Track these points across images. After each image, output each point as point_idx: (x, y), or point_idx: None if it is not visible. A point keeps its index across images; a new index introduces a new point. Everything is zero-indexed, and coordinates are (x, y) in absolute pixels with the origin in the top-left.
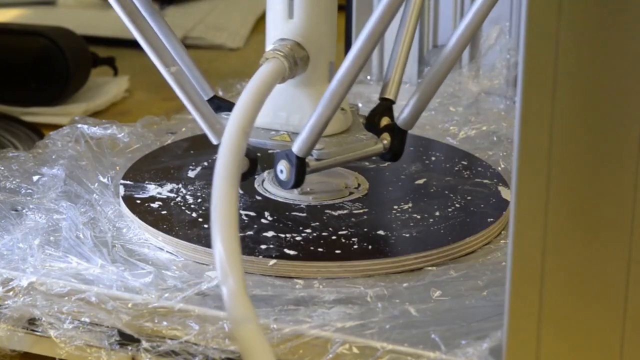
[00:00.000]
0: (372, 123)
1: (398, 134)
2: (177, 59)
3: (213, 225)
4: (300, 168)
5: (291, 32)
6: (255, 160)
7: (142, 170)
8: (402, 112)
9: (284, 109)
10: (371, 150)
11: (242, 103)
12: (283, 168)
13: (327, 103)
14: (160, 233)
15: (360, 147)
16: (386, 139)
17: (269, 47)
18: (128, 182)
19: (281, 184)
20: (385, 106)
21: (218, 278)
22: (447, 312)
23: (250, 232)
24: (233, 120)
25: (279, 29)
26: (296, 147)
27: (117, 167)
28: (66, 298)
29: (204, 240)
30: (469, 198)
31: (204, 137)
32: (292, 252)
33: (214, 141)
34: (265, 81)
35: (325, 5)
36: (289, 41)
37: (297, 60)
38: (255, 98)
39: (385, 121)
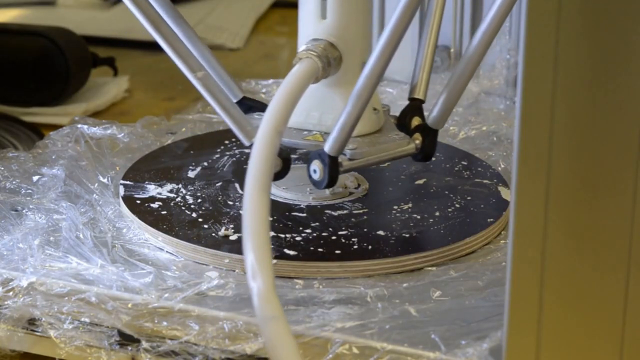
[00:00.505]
0: (403, 123)
1: (429, 133)
2: (204, 62)
3: (244, 223)
4: (333, 167)
5: (324, 32)
6: (289, 160)
7: (142, 170)
8: (431, 111)
9: (316, 109)
10: (404, 150)
11: (275, 103)
12: (316, 168)
13: (355, 101)
14: (160, 233)
15: (393, 147)
16: (418, 139)
17: (301, 47)
18: (128, 182)
19: (315, 183)
20: (415, 106)
21: (247, 275)
22: (447, 312)
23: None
24: (266, 120)
25: (312, 29)
26: (328, 147)
27: (117, 167)
28: (66, 298)
29: (204, 240)
30: (469, 198)
31: (204, 137)
32: (292, 252)
33: (246, 143)
34: (299, 81)
35: (359, 5)
36: (322, 41)
37: (330, 61)
38: (288, 98)
39: (416, 121)
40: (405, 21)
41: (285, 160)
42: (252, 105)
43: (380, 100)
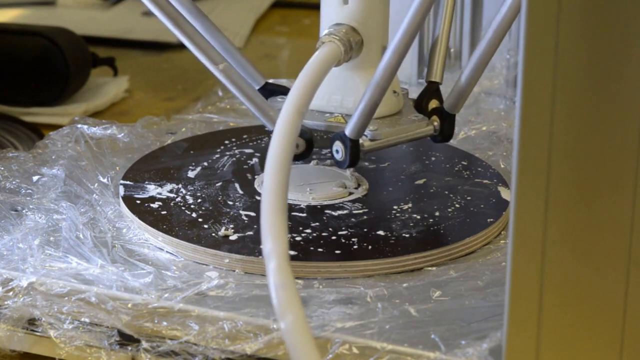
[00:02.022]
0: (420, 106)
1: (447, 117)
2: (224, 52)
3: (264, 198)
4: (354, 149)
5: (346, 17)
6: (312, 142)
7: (142, 170)
8: (448, 96)
9: (338, 92)
10: (423, 131)
11: (298, 84)
12: (339, 148)
13: (375, 86)
14: (160, 233)
15: (413, 128)
16: (436, 120)
17: (323, 31)
18: (128, 182)
19: (338, 163)
20: (432, 89)
21: (264, 249)
22: (447, 312)
23: (250, 232)
24: (289, 101)
25: (334, 13)
26: (349, 130)
27: (117, 167)
28: (66, 298)
29: (204, 240)
30: (469, 198)
31: (204, 137)
32: (292, 252)
33: (270, 127)
34: (322, 64)
35: None
36: (344, 26)
37: (352, 44)
38: (311, 80)
39: (433, 104)
40: (425, 8)
41: (308, 142)
42: (275, 90)
43: (400, 84)
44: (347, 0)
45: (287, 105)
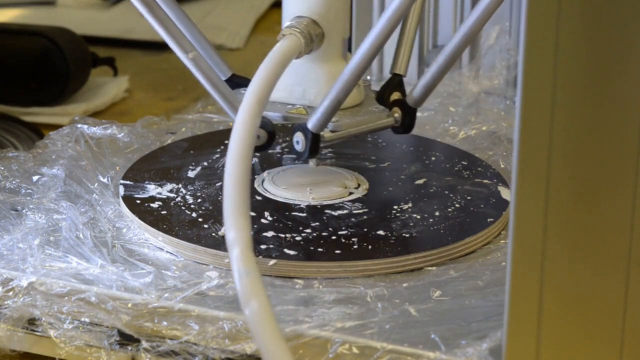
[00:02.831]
0: (382, 97)
1: (408, 110)
2: (194, 42)
3: (225, 188)
4: (315, 140)
5: (307, 9)
6: (273, 133)
7: (142, 170)
8: (412, 90)
9: (300, 84)
10: (383, 122)
11: (259, 76)
12: (299, 139)
13: (342, 86)
14: (160, 233)
15: (373, 119)
16: (397, 112)
17: (285, 24)
18: (128, 182)
19: (297, 154)
20: (396, 81)
21: (227, 239)
22: (447, 312)
23: (250, 232)
24: (249, 92)
25: (296, 6)
26: (311, 124)
27: (117, 167)
28: (66, 298)
29: (204, 240)
30: (469, 198)
31: (204, 137)
32: (292, 252)
33: (234, 117)
34: (282, 56)
35: None
36: (305, 18)
37: (312, 37)
38: (271, 72)
39: (395, 96)
40: (404, 5)
41: (270, 134)
42: (240, 82)
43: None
44: None
45: (248, 97)
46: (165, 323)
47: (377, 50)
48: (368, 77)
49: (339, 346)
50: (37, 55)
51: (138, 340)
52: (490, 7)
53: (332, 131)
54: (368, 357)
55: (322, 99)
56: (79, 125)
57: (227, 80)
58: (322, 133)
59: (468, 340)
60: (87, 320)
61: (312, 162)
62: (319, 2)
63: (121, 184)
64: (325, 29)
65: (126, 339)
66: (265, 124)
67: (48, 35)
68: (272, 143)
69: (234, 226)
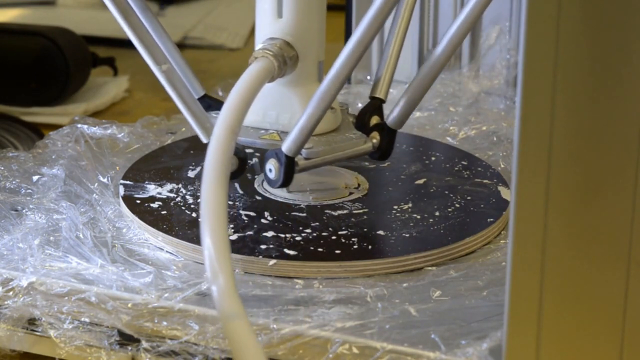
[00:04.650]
0: (362, 122)
1: (387, 133)
2: (169, 57)
3: (202, 223)
4: (289, 167)
5: (280, 31)
6: (245, 160)
7: (142, 170)
8: (392, 111)
9: (273, 108)
10: (360, 149)
11: (230, 102)
12: (272, 167)
13: (317, 103)
14: (160, 233)
15: (349, 146)
16: (375, 137)
17: (258, 46)
18: (128, 182)
19: (270, 182)
20: (375, 105)
21: (207, 276)
22: (447, 312)
23: (250, 232)
24: (222, 120)
25: (268, 28)
26: (285, 147)
27: (117, 167)
28: (66, 298)
29: None
30: (469, 198)
31: None
32: (292, 252)
33: (204, 140)
34: (254, 80)
35: (314, 4)
36: (278, 40)
37: (286, 60)
38: (244, 97)
39: (374, 120)
40: (377, 24)
41: (241, 160)
42: (211, 104)
43: (338, 100)
44: (281, 13)
45: (220, 125)
46: (165, 323)
47: (354, 64)
48: (368, 77)
49: (339, 346)
50: (37, 55)
51: (138, 340)
52: (468, 20)
53: (306, 158)
54: (368, 357)
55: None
56: (79, 125)
57: (199, 100)
58: (296, 160)
59: (468, 340)
60: (87, 320)
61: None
62: (293, 23)
63: (121, 184)
64: (300, 51)
65: (126, 339)
66: (237, 151)
67: (48, 35)
68: (244, 170)
69: (219, 269)
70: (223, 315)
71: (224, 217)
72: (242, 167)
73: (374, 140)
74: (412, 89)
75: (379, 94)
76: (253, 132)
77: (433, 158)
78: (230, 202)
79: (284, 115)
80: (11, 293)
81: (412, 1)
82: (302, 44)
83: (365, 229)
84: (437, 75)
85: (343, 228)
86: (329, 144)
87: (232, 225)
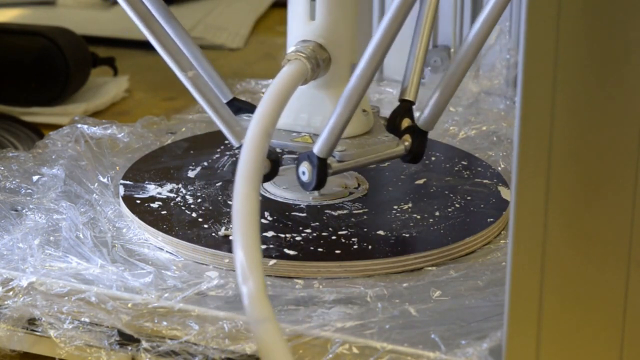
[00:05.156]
0: (393, 125)
1: (419, 135)
2: (195, 62)
3: (234, 226)
4: (322, 169)
5: (313, 33)
6: (278, 162)
7: (142, 170)
8: (422, 113)
9: (305, 111)
10: (393, 152)
11: (264, 104)
12: (305, 170)
13: (346, 103)
14: (160, 233)
15: (382, 148)
16: (407, 140)
17: (290, 48)
18: (128, 182)
19: (303, 185)
20: (405, 107)
21: (238, 278)
22: (447, 312)
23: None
24: (256, 122)
25: (301, 30)
26: (317, 148)
27: (117, 167)
28: (66, 298)
29: (204, 240)
30: (469, 198)
31: (204, 137)
32: (292, 252)
33: (235, 144)
34: (288, 83)
35: (347, 7)
36: (311, 42)
37: (319, 62)
38: (277, 99)
39: (406, 122)
40: (397, 23)
41: (274, 162)
42: (241, 107)
43: (370, 102)
44: (313, 15)
45: (254, 127)
46: (165, 323)
47: (379, 62)
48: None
49: (339, 346)
50: (37, 55)
51: (138, 340)
52: (492, 16)
53: (339, 161)
54: (368, 357)
55: None
56: (79, 125)
57: (228, 104)
58: (329, 162)
59: (468, 340)
60: (87, 320)
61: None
62: (326, 25)
63: (121, 184)
64: (332, 53)
65: (126, 339)
66: (270, 153)
67: (48, 35)
68: (276, 172)
69: (250, 274)
70: (253, 318)
71: (257, 220)
72: (275, 169)
73: (406, 143)
74: (441, 89)
75: (408, 96)
76: (285, 134)
77: (433, 158)
78: (230, 202)
79: (316, 118)
80: (11, 293)
81: (434, 0)
82: (334, 46)
83: (365, 229)
84: (465, 74)
85: (343, 228)
86: (362, 146)
87: (232, 226)
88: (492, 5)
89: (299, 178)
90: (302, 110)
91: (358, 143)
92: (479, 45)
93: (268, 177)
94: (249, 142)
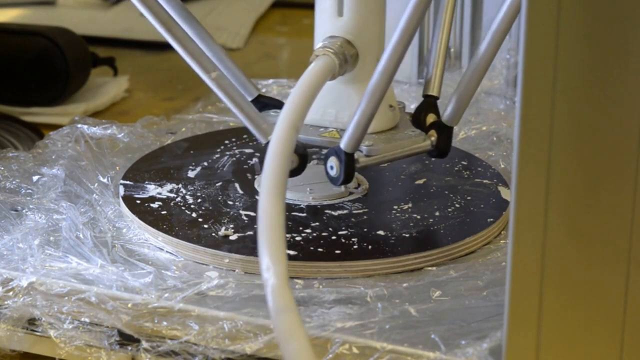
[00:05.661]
0: (418, 120)
1: (444, 130)
2: (217, 62)
3: (260, 218)
4: (350, 164)
5: (341, 29)
6: (305, 157)
7: (142, 170)
8: (446, 108)
9: (332, 106)
10: (419, 147)
11: (293, 99)
12: (333, 164)
13: (369, 98)
14: (160, 233)
15: (409, 143)
16: (433, 135)
17: (318, 44)
18: (128, 182)
19: (332, 180)
20: (430, 103)
21: (261, 268)
22: (447, 312)
23: (250, 232)
24: (284, 116)
25: (328, 26)
26: (343, 143)
27: (117, 167)
28: (66, 298)
29: (204, 240)
30: (469, 198)
31: (204, 137)
32: (292, 252)
33: (262, 141)
34: (316, 78)
35: (375, 3)
36: (339, 38)
37: (347, 58)
38: (306, 95)
39: (431, 118)
40: (417, 18)
41: (301, 157)
42: (267, 103)
43: (396, 98)
44: (341, 12)
45: (282, 121)
46: (165, 323)
47: (401, 56)
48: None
49: (339, 346)
50: (37, 55)
51: (138, 340)
52: (512, 12)
53: (367, 156)
54: (368, 357)
55: None
56: (79, 125)
57: (254, 101)
58: (356, 157)
59: (468, 340)
60: (87, 320)
61: (312, 162)
62: (353, 21)
63: (121, 184)
64: (360, 49)
65: (126, 339)
66: (297, 147)
67: (48, 35)
68: (304, 167)
69: (272, 262)
70: (274, 308)
71: (282, 212)
72: (303, 164)
73: (432, 138)
74: (464, 84)
75: (432, 91)
76: (312, 130)
77: (433, 158)
78: (230, 202)
79: (343, 113)
80: (11, 293)
81: None
82: (362, 42)
83: (365, 229)
84: (488, 67)
85: (343, 228)
86: (389, 141)
87: (232, 225)
88: None
89: (327, 173)
90: (329, 106)
91: (385, 138)
92: (503, 35)
93: (295, 171)
94: (277, 137)
